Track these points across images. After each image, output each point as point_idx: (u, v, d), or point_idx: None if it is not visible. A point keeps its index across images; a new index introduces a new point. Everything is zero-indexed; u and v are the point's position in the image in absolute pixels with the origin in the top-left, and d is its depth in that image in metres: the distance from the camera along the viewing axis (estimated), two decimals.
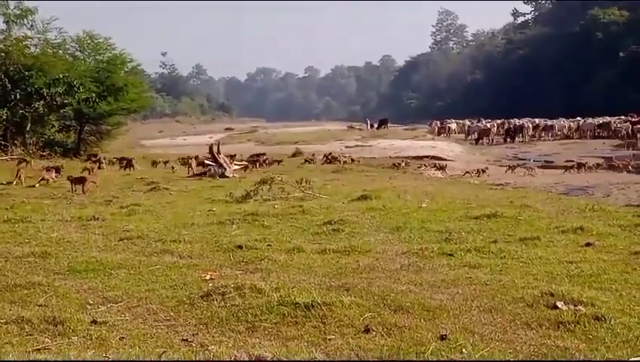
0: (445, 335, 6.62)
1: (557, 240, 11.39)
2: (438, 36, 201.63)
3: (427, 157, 38.13)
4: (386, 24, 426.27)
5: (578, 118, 65.87)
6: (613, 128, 59.42)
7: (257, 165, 31.17)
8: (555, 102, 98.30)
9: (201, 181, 24.89)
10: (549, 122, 63.99)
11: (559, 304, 7.41)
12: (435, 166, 32.49)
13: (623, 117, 63.27)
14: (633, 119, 60.20)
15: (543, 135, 60.50)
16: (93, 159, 33.47)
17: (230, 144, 45.87)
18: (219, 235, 12.37)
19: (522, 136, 59.40)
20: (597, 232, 11.93)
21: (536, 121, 65.92)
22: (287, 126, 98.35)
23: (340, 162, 33.59)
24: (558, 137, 59.73)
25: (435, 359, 6.11)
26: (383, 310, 7.43)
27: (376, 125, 75.90)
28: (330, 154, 36.04)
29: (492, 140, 58.43)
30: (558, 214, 14.59)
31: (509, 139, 57.88)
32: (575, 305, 7.36)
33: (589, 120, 64.62)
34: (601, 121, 63.00)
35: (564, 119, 66.41)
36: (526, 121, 65.22)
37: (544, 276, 8.91)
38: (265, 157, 33.99)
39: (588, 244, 10.87)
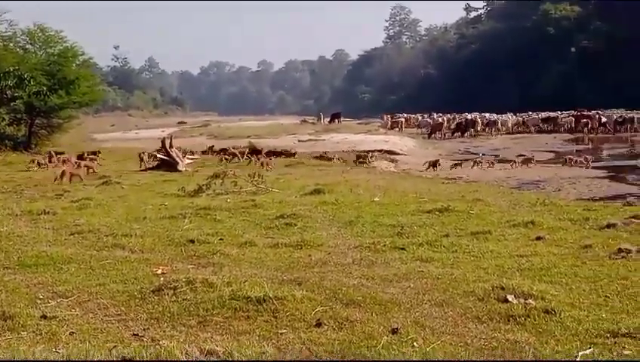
0: (397, 328, 6.65)
1: (508, 234, 11.48)
2: (392, 30, 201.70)
3: (380, 151, 38.14)
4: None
5: (530, 113, 66.69)
6: (558, 122, 60.50)
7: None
8: (508, 96, 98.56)
9: (153, 175, 24.71)
10: (494, 117, 64.61)
11: (510, 297, 7.48)
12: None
13: (571, 111, 64.34)
14: (577, 113, 61.27)
15: (487, 129, 60.71)
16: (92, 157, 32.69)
17: (182, 138, 45.44)
18: (171, 229, 12.31)
19: (474, 131, 59.70)
20: (547, 226, 12.03)
21: (486, 115, 66.57)
22: (240, 120, 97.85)
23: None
24: (507, 132, 60.24)
25: (386, 352, 6.13)
26: (335, 304, 7.45)
27: (328, 119, 75.68)
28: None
29: (444, 135, 58.79)
30: (510, 208, 14.71)
31: (458, 133, 58.32)
32: (525, 299, 7.44)
33: (533, 115, 65.46)
34: (546, 116, 63.93)
35: (511, 114, 67.17)
36: (477, 116, 65.75)
37: (495, 270, 8.98)
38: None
39: (538, 238, 10.97)
